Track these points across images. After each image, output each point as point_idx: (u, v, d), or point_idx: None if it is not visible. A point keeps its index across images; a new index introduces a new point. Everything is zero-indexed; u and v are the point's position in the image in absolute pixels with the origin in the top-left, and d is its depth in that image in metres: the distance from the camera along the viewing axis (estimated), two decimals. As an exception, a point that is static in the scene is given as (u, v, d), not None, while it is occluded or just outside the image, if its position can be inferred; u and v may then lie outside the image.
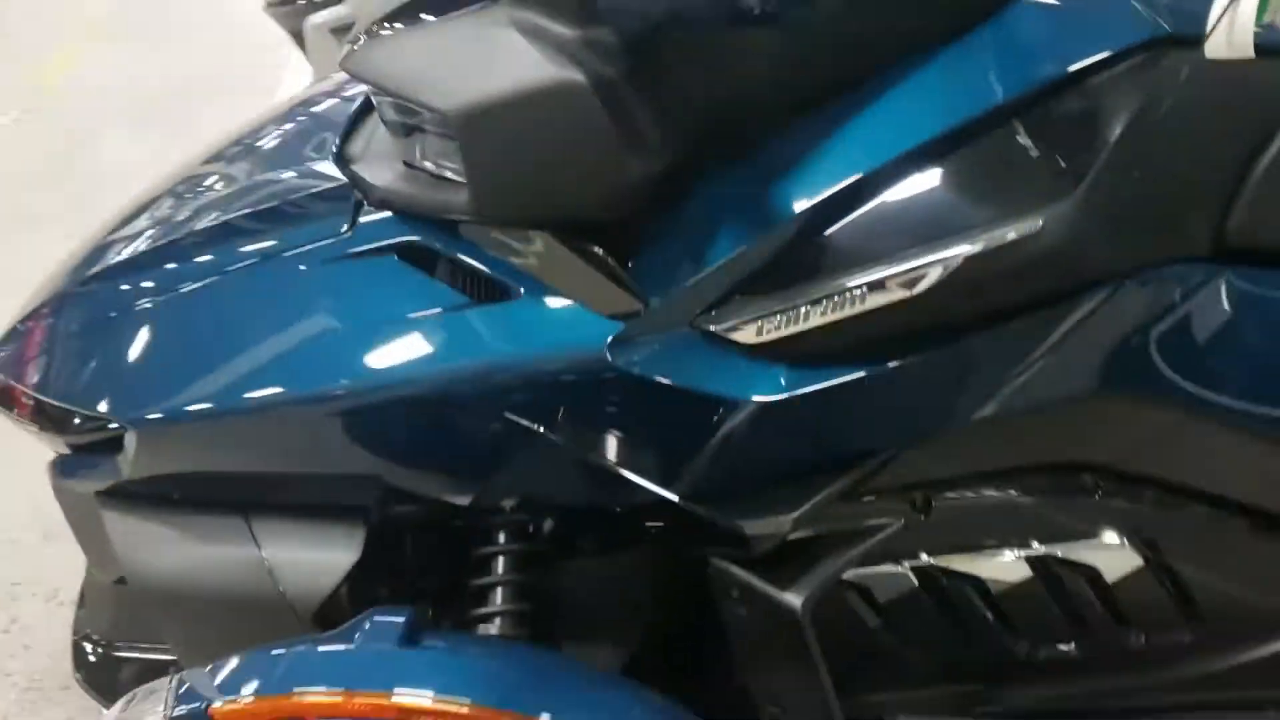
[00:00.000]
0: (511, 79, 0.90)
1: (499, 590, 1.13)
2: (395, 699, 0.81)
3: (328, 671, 0.85)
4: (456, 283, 1.06)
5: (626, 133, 0.92)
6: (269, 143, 1.38)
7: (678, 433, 1.03)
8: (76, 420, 1.20)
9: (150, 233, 1.26)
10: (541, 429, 1.00)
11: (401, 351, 1.05)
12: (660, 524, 1.16)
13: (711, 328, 1.00)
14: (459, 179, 0.99)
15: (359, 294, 1.08)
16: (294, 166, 1.24)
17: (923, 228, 0.99)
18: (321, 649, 0.91)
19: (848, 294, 0.99)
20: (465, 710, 0.80)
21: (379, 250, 1.08)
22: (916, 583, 1.21)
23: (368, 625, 0.92)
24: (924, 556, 1.20)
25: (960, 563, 1.20)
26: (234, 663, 0.88)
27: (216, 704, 0.83)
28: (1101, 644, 1.24)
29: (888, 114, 1.00)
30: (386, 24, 1.04)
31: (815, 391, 1.01)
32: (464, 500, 1.11)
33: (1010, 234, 0.97)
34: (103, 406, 1.15)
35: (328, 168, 1.17)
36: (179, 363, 1.13)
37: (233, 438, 1.11)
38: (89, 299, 1.24)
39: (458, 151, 0.93)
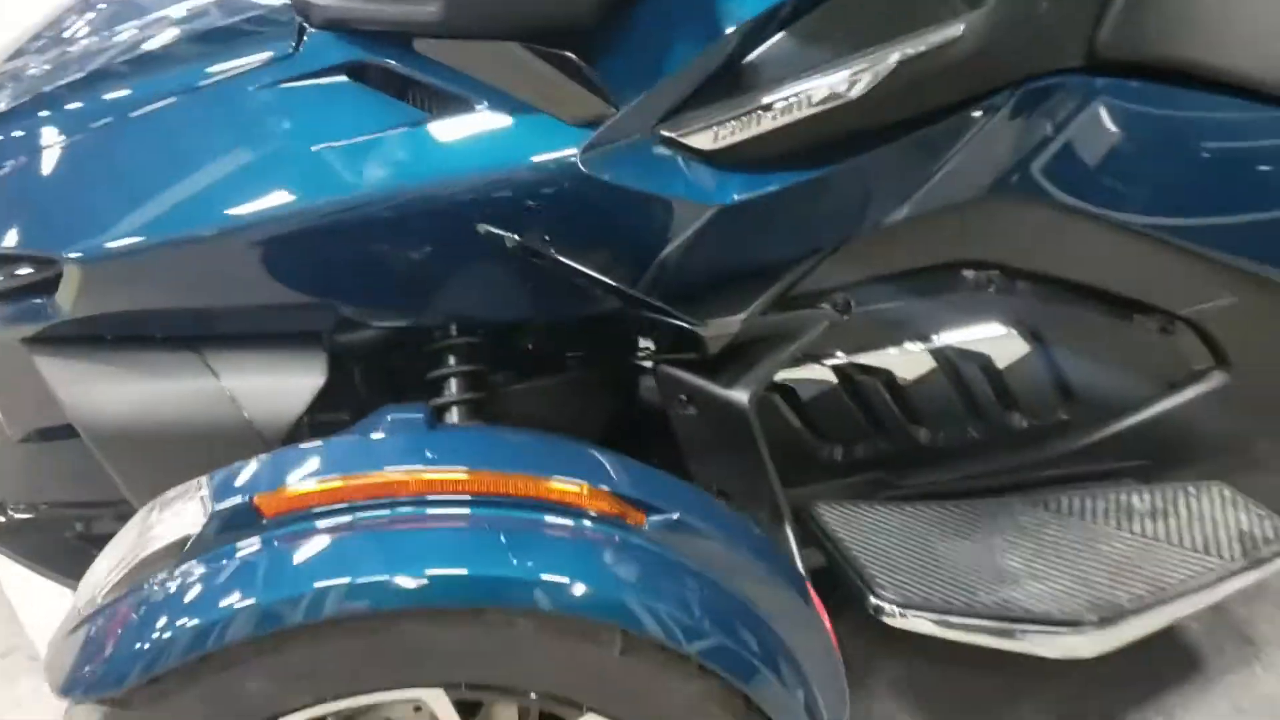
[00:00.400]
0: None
1: (453, 411, 1.17)
2: (431, 475, 0.85)
3: (364, 458, 0.88)
4: (413, 100, 1.08)
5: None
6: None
7: (642, 236, 1.09)
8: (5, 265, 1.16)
9: (63, 62, 1.21)
10: (511, 239, 1.04)
11: (361, 170, 1.06)
12: (610, 339, 1.22)
13: (671, 134, 1.06)
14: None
15: (310, 116, 1.08)
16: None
17: (858, 35, 1.07)
18: (352, 441, 0.94)
19: (793, 99, 1.07)
20: (508, 476, 0.86)
21: (328, 70, 1.08)
22: (835, 381, 1.32)
23: (389, 418, 0.95)
24: (841, 355, 1.31)
25: (873, 359, 1.32)
26: (262, 461, 0.90)
27: (261, 493, 0.85)
28: (992, 427, 1.39)
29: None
30: None
31: (765, 195, 1.09)
32: (424, 320, 1.14)
33: (935, 38, 1.07)
34: (39, 243, 1.11)
35: None
36: (121, 193, 1.10)
37: (182, 268, 1.09)
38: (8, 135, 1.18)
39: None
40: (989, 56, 1.11)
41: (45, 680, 0.88)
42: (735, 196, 1.09)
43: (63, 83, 1.15)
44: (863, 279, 1.27)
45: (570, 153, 1.03)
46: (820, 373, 1.32)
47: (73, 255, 1.09)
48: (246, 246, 1.07)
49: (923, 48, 1.07)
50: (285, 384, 1.13)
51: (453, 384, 1.15)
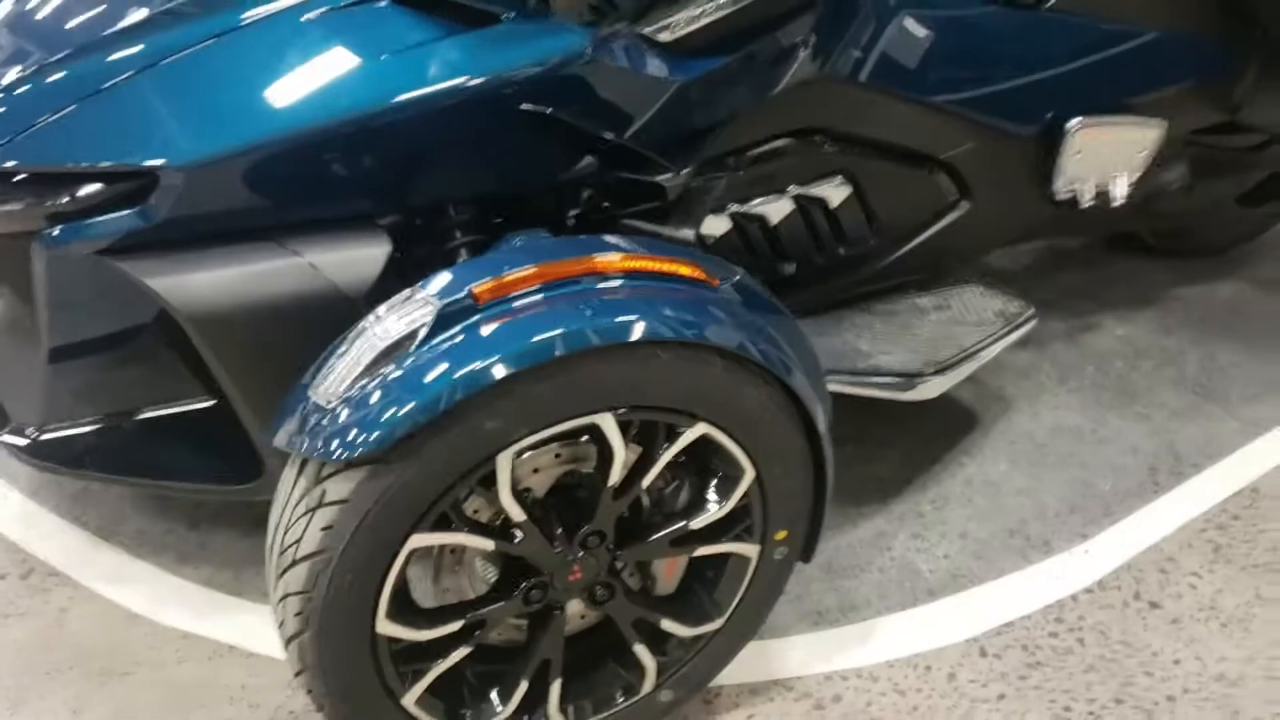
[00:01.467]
0: None
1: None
2: (596, 260, 1.20)
3: (533, 256, 1.21)
4: (449, 16, 1.40)
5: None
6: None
7: (631, 106, 1.47)
8: (87, 181, 1.35)
9: (107, 18, 1.41)
10: (544, 112, 1.40)
11: (418, 73, 1.37)
12: (587, 197, 1.59)
13: (645, 31, 1.46)
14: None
15: (367, 33, 1.37)
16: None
17: None
18: (517, 248, 1.25)
19: (711, 6, 1.50)
20: (642, 257, 1.22)
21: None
22: (730, 226, 1.76)
23: (519, 239, 1.28)
24: (733, 206, 1.75)
25: (752, 208, 1.77)
26: (459, 269, 1.19)
27: (476, 285, 1.16)
28: (828, 255, 1.88)
29: None
30: None
31: (702, 74, 1.51)
32: (461, 194, 1.46)
33: None
34: (135, 157, 1.33)
35: None
36: (209, 109, 1.34)
37: (263, 168, 1.35)
38: (72, 75, 1.36)
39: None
40: None
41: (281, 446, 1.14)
42: (685, 76, 1.50)
43: (137, 18, 1.36)
44: (746, 143, 1.71)
45: (583, 46, 1.40)
46: (722, 223, 1.75)
47: (173, 164, 1.32)
48: (319, 146, 1.34)
49: None
50: (359, 254, 1.41)
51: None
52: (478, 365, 1.11)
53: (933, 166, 1.90)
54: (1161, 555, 1.85)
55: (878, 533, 1.85)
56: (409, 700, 1.29)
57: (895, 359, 1.81)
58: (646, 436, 1.28)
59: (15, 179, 1.36)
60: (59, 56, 1.38)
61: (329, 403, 1.14)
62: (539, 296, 1.16)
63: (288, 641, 1.22)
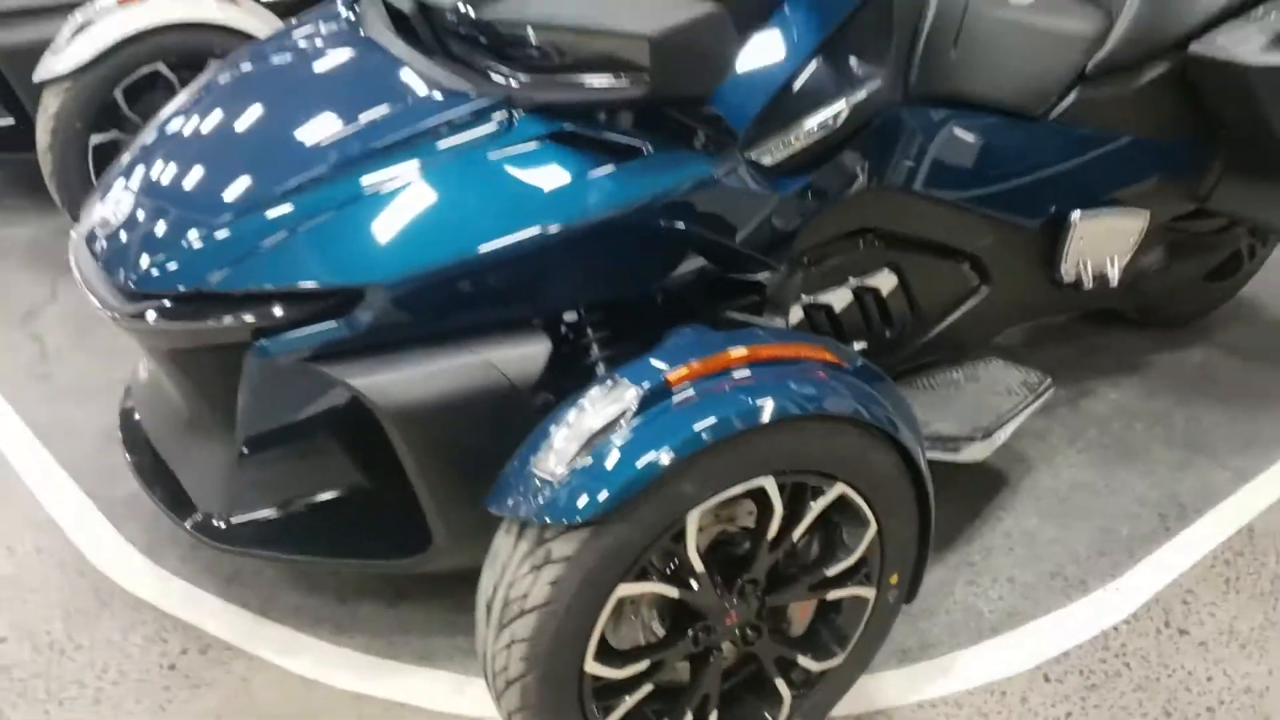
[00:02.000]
0: (676, 15, 1.54)
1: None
2: (761, 349, 1.45)
3: (703, 348, 1.46)
4: (600, 152, 1.66)
5: (740, 28, 1.62)
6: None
7: (744, 217, 1.74)
8: (299, 300, 1.57)
9: (316, 157, 1.64)
10: (682, 228, 1.66)
11: (580, 202, 1.62)
12: (700, 296, 1.85)
13: (750, 157, 1.74)
14: (613, 84, 1.59)
15: (538, 168, 1.62)
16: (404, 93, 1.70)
17: (835, 83, 1.81)
18: (686, 340, 1.50)
19: (805, 131, 1.79)
20: (786, 345, 1.48)
21: (540, 139, 1.63)
22: (803, 316, 2.04)
23: (683, 332, 1.53)
24: (805, 298, 2.03)
25: (823, 297, 2.05)
26: (648, 361, 1.43)
27: (670, 373, 1.40)
28: (877, 338, 2.16)
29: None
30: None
31: (792, 190, 1.80)
32: (619, 295, 1.71)
33: (861, 95, 1.83)
34: (342, 277, 1.56)
35: (451, 83, 1.67)
36: (403, 237, 1.57)
37: (449, 284, 1.59)
38: (291, 211, 1.59)
39: (650, 54, 1.53)
40: (880, 102, 1.89)
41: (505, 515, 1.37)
42: (782, 191, 1.78)
43: (353, 155, 1.60)
44: (819, 242, 1.99)
45: (710, 173, 1.67)
46: (797, 312, 2.03)
47: (377, 282, 1.56)
48: (496, 265, 1.59)
49: (856, 101, 1.82)
50: (529, 351, 1.64)
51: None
52: (678, 440, 1.36)
53: (961, 258, 2.21)
54: (1182, 589, 2.13)
55: (939, 581, 2.11)
56: (599, 731, 1.51)
57: (946, 426, 2.09)
58: (795, 497, 1.53)
59: (236, 298, 1.58)
60: (279, 191, 1.60)
61: (552, 474, 1.37)
62: (718, 379, 1.41)
63: (509, 684, 1.43)
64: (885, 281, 2.12)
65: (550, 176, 1.61)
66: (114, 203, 1.75)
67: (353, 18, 1.95)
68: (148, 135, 1.89)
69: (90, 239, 1.74)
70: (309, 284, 1.56)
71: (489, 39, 1.67)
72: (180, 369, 1.73)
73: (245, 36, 2.71)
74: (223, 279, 1.58)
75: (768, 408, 1.40)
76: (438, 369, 1.59)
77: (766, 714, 1.66)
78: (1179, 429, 2.57)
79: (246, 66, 1.93)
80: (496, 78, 1.66)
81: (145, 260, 1.64)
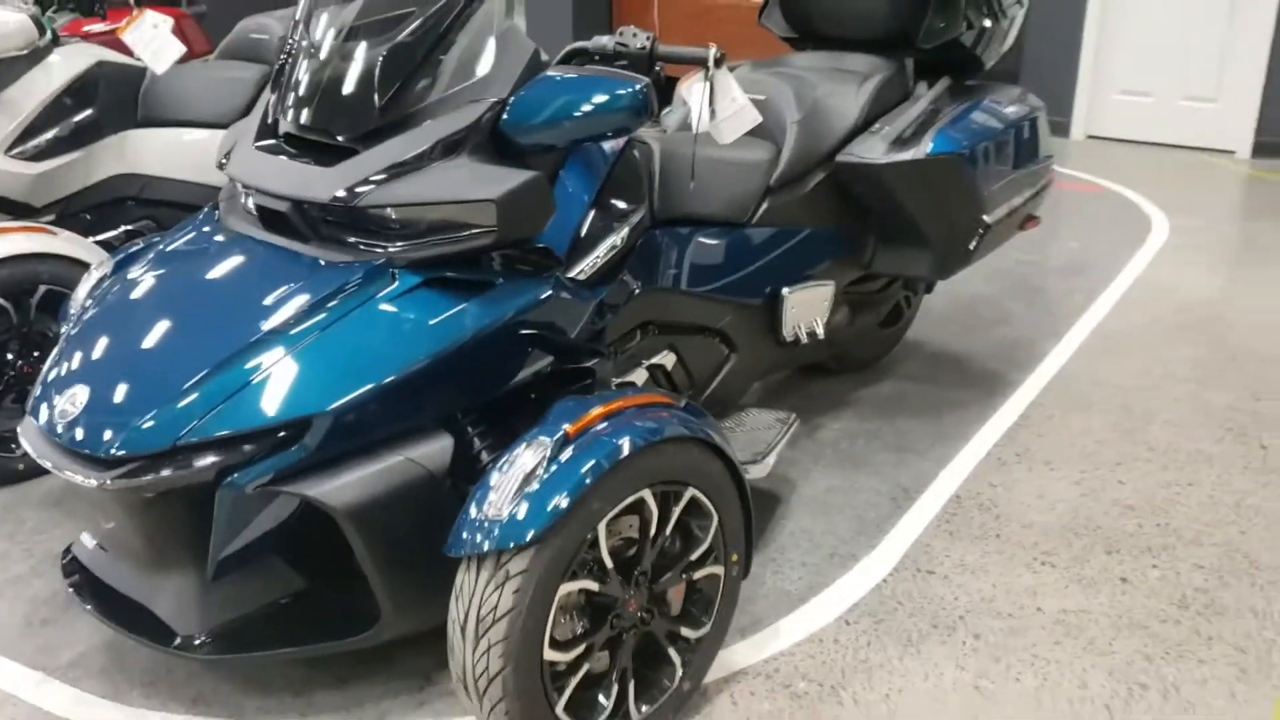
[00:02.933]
0: (509, 181, 2.16)
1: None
2: (617, 404, 2.05)
3: (581, 409, 2.04)
4: (458, 290, 2.23)
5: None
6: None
7: (572, 322, 2.35)
8: (260, 437, 2.04)
9: (250, 325, 2.11)
10: (529, 336, 2.26)
11: (456, 329, 2.18)
12: (546, 386, 2.42)
13: (569, 275, 2.37)
14: (467, 236, 2.18)
15: (423, 308, 2.16)
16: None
17: (614, 216, 2.48)
18: (571, 405, 2.06)
19: (602, 252, 2.44)
20: (640, 397, 2.09)
21: (418, 286, 2.18)
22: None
23: (572, 397, 2.11)
24: (614, 380, 2.66)
25: (628, 376, 2.68)
26: (550, 419, 1.99)
27: (569, 427, 1.97)
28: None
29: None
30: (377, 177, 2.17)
31: (601, 298, 2.43)
32: (492, 392, 2.26)
33: (633, 220, 2.52)
34: (294, 410, 2.04)
35: (339, 256, 2.20)
36: (332, 374, 2.07)
37: (370, 405, 2.09)
38: (241, 369, 2.06)
39: (496, 211, 2.13)
40: (638, 230, 2.59)
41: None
42: (595, 298, 2.42)
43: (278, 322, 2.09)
44: (620, 335, 2.63)
45: (547, 292, 2.28)
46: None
47: (321, 411, 2.06)
48: (405, 384, 2.10)
49: (626, 234, 2.50)
50: (439, 445, 2.17)
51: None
52: (586, 470, 1.93)
53: (714, 334, 2.91)
54: (921, 544, 2.87)
55: (755, 575, 2.74)
56: (559, 708, 2.02)
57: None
58: (662, 503, 2.13)
59: (208, 444, 2.02)
60: (228, 355, 2.06)
61: (500, 512, 1.90)
62: (602, 425, 2.00)
63: (490, 681, 1.92)
64: (668, 359, 2.78)
65: (431, 313, 2.16)
66: (69, 395, 2.13)
67: (221, 221, 2.43)
68: (74, 336, 2.27)
69: (51, 429, 2.11)
70: (269, 422, 2.02)
71: (364, 221, 2.21)
72: (151, 516, 2.11)
73: (71, 261, 3.08)
74: (195, 430, 2.01)
75: (639, 437, 2.00)
76: (372, 470, 2.07)
77: (665, 679, 2.21)
78: (889, 439, 3.37)
79: (149, 268, 2.35)
80: (375, 247, 2.20)
81: (120, 430, 2.03)
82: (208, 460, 2.01)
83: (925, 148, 3.05)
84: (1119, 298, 4.57)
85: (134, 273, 2.36)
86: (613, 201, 2.45)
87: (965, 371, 3.87)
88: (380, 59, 2.22)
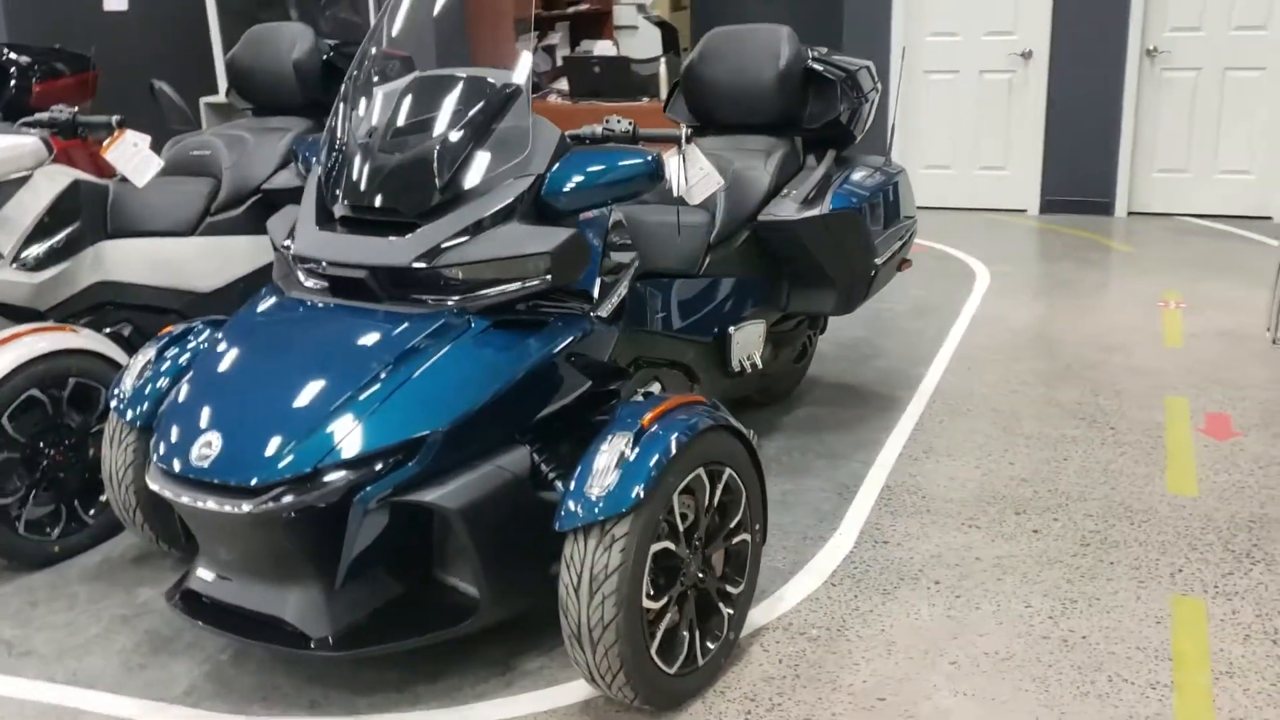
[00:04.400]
0: (557, 237, 2.69)
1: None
2: (675, 401, 2.58)
3: (652, 403, 2.55)
4: (526, 328, 2.73)
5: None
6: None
7: (604, 351, 2.89)
8: (385, 455, 2.48)
9: (366, 367, 2.57)
10: (575, 362, 2.77)
11: (528, 356, 2.69)
12: (583, 406, 2.93)
13: (598, 313, 2.90)
14: (526, 285, 2.69)
15: (496, 345, 2.65)
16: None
17: (618, 269, 3.04)
18: (638, 404, 2.57)
19: (615, 298, 3.00)
20: (680, 399, 2.64)
21: (490, 328, 2.68)
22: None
23: (633, 402, 2.62)
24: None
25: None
26: (624, 414, 2.50)
27: (643, 420, 2.49)
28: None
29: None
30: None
31: (619, 330, 2.98)
32: (551, 409, 2.76)
33: (630, 273, 3.09)
34: (416, 431, 2.50)
35: (420, 310, 2.67)
36: (442, 398, 2.54)
37: (465, 425, 2.56)
38: (363, 400, 2.50)
39: (550, 262, 2.66)
40: (632, 281, 3.17)
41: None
42: (615, 334, 2.96)
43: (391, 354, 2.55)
44: (629, 360, 3.17)
45: (587, 325, 2.81)
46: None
47: (437, 429, 2.52)
48: (491, 405, 2.57)
49: (627, 283, 3.08)
50: (518, 455, 2.64)
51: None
52: (663, 452, 2.46)
53: (682, 367, 3.48)
54: (870, 523, 3.48)
55: (747, 559, 3.28)
56: (653, 650, 2.50)
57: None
58: (710, 480, 2.66)
59: (341, 465, 2.44)
60: (353, 389, 2.49)
61: (601, 491, 2.40)
62: (665, 419, 2.53)
63: (605, 628, 2.39)
64: (655, 389, 3.33)
65: (504, 348, 2.65)
66: (202, 441, 2.50)
67: (286, 294, 2.85)
68: (183, 399, 2.64)
69: (192, 471, 2.48)
70: (391, 443, 2.46)
71: (435, 279, 2.69)
72: (281, 536, 2.48)
73: (94, 356, 3.40)
74: (332, 455, 2.44)
75: (693, 426, 2.54)
76: (473, 478, 2.52)
77: (716, 630, 2.72)
78: (819, 450, 3.99)
79: (234, 336, 2.74)
80: (443, 300, 2.68)
81: (265, 462, 2.43)
82: (341, 480, 2.43)
83: (828, 205, 3.74)
84: (965, 329, 5.39)
85: (221, 342, 2.75)
86: (614, 254, 3.01)
87: (862, 394, 4.55)
88: (436, 150, 2.72)
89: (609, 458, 2.42)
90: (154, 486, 2.54)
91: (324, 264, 2.75)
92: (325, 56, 4.76)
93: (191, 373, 2.73)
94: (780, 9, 8.60)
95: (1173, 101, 7.50)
